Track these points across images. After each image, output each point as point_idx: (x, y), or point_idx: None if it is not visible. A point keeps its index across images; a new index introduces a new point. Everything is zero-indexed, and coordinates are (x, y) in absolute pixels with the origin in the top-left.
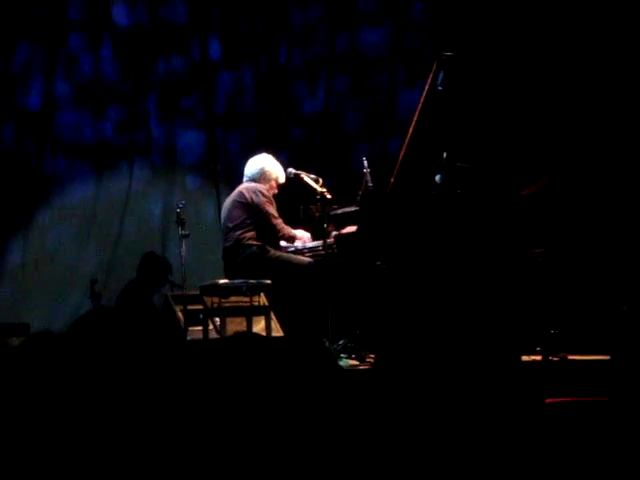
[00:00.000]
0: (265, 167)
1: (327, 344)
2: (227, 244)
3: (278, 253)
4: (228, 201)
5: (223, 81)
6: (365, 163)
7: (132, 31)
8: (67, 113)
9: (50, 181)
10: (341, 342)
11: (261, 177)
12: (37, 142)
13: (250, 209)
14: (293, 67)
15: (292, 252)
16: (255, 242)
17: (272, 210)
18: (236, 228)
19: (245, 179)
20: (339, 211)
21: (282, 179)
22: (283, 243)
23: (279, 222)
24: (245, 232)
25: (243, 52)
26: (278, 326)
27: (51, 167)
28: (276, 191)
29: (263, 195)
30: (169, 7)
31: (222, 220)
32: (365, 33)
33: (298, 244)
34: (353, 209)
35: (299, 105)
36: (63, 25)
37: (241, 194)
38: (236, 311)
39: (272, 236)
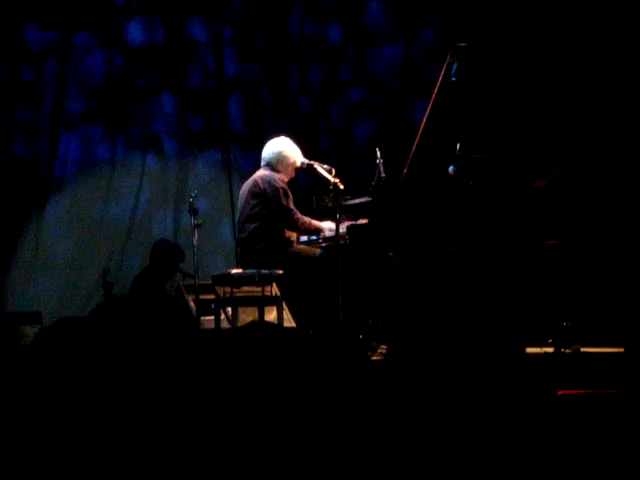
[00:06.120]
0: (283, 151)
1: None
2: (242, 235)
3: (291, 247)
4: (244, 189)
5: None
6: (378, 153)
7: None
8: None
9: (62, 169)
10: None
11: (278, 161)
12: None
13: (265, 201)
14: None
15: (305, 243)
16: (269, 236)
17: (288, 203)
18: (251, 220)
19: (262, 163)
20: (352, 201)
21: (299, 163)
22: (303, 237)
23: (296, 216)
24: (260, 225)
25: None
26: (290, 316)
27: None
28: (294, 175)
29: (278, 187)
30: None
31: (239, 208)
32: None
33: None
34: (366, 200)
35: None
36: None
37: (256, 184)
38: (248, 301)
39: (288, 229)
